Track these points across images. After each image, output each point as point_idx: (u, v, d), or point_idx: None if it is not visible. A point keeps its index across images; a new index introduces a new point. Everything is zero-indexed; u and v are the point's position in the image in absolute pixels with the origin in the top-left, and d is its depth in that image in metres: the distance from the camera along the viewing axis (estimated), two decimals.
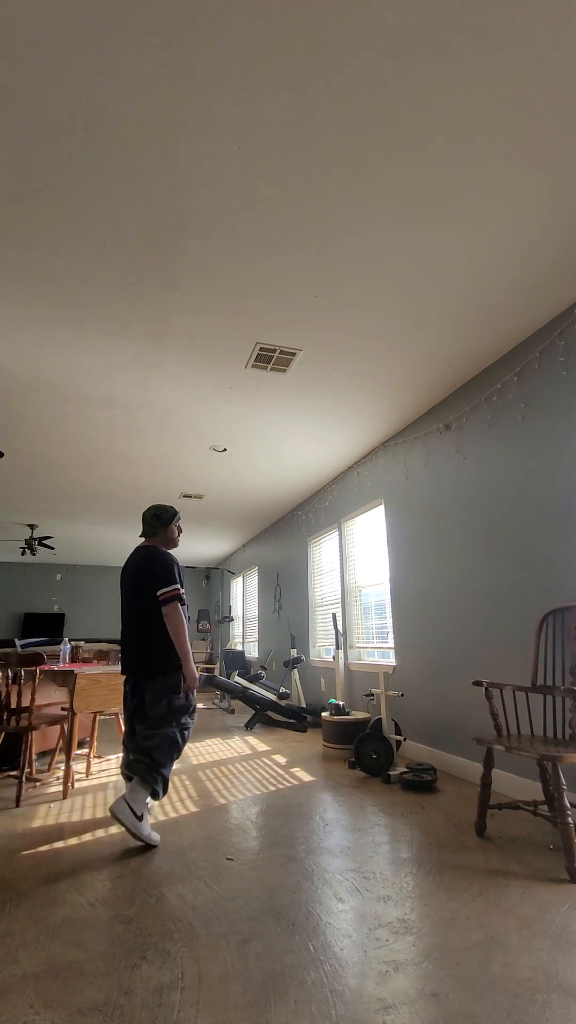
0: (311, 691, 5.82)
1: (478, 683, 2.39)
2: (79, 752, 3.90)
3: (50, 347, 3.00)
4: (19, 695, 3.11)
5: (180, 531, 2.72)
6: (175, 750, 2.34)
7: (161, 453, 4.78)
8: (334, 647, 5.16)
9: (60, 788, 3.10)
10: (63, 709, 3.37)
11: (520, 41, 1.49)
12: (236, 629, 9.83)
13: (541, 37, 1.48)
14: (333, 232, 2.18)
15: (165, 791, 2.33)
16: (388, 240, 2.22)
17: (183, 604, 2.45)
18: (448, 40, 1.48)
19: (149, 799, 2.28)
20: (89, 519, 7.37)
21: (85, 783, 3.20)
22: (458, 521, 3.40)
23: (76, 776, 3.35)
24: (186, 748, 4.25)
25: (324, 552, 5.81)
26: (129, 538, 8.71)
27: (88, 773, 3.42)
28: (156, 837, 2.24)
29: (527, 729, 2.70)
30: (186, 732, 2.38)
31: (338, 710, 3.92)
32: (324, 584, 5.71)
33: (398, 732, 3.62)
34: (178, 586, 2.44)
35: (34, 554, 7.98)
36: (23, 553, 8.54)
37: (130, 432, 4.28)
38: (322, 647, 5.69)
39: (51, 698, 3.98)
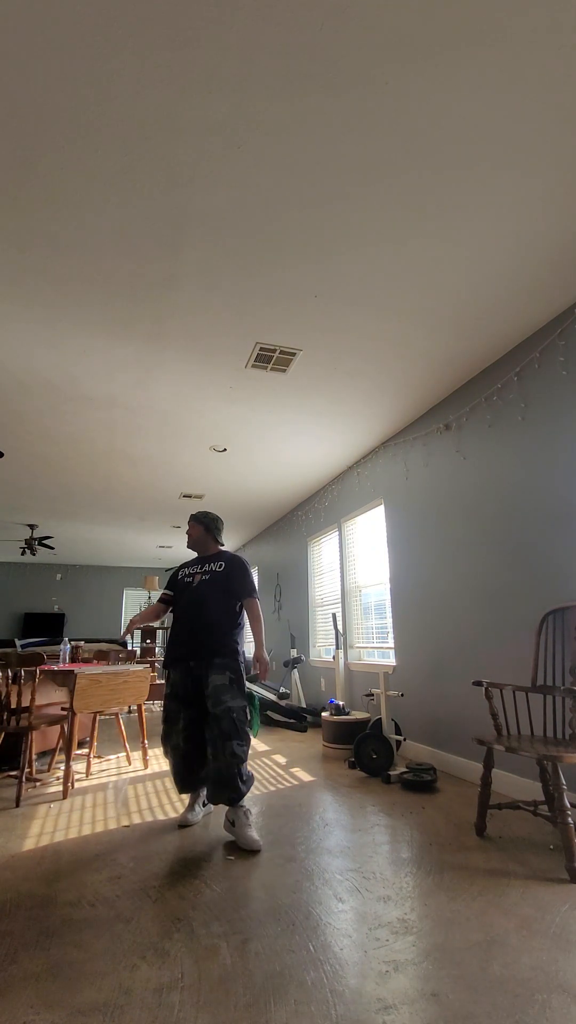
0: (311, 691, 5.81)
1: (478, 683, 2.39)
2: (79, 752, 3.91)
3: (50, 347, 3.00)
4: (19, 695, 3.11)
5: (188, 534, 2.90)
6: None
7: (161, 453, 4.78)
8: (334, 647, 5.16)
9: (60, 788, 3.09)
10: (63, 709, 3.37)
11: (520, 42, 1.49)
12: None
13: (542, 38, 1.48)
14: (333, 232, 2.17)
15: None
16: (388, 240, 2.22)
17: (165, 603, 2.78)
18: (448, 40, 1.48)
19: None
20: (89, 519, 7.37)
21: (85, 783, 3.20)
22: (458, 521, 3.40)
23: (76, 776, 3.35)
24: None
25: (324, 552, 5.81)
26: (129, 538, 8.71)
27: (88, 773, 3.42)
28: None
29: (527, 729, 2.70)
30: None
31: (338, 710, 3.92)
32: (324, 584, 5.71)
33: (398, 732, 3.61)
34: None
35: (34, 554, 7.97)
36: (23, 553, 8.54)
37: (130, 432, 4.28)
38: (322, 647, 5.69)
39: (51, 698, 3.98)
